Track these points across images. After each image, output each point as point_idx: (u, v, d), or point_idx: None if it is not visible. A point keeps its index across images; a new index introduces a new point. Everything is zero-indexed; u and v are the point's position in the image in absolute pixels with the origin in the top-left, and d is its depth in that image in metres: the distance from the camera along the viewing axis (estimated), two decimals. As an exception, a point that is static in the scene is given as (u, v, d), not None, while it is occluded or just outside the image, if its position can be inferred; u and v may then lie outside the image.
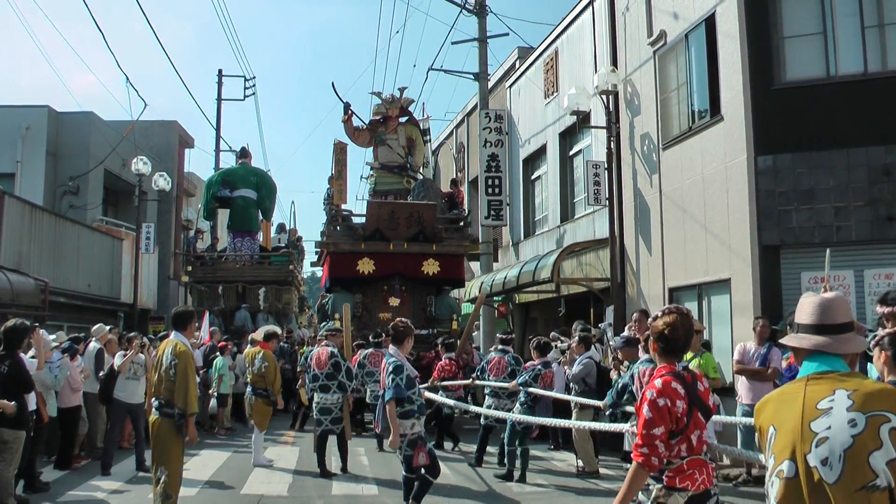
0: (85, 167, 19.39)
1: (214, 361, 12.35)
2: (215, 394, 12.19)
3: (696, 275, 10.12)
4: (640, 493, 3.26)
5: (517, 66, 18.09)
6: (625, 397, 6.52)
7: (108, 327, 10.80)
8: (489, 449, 9.53)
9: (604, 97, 12.11)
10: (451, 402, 9.76)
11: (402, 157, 16.91)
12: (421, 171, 17.69)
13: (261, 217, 19.92)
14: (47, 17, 48.30)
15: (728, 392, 8.68)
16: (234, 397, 12.96)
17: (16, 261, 13.76)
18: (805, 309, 2.40)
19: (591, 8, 13.72)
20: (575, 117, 13.04)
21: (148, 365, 8.36)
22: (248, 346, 11.48)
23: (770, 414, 2.32)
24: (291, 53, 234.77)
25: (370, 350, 11.22)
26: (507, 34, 30.28)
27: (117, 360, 9.05)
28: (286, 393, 11.54)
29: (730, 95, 9.49)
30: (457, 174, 21.96)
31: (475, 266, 19.04)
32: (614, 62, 12.51)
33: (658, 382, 3.13)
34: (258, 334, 10.45)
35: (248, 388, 9.94)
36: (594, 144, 13.64)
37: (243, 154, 20.55)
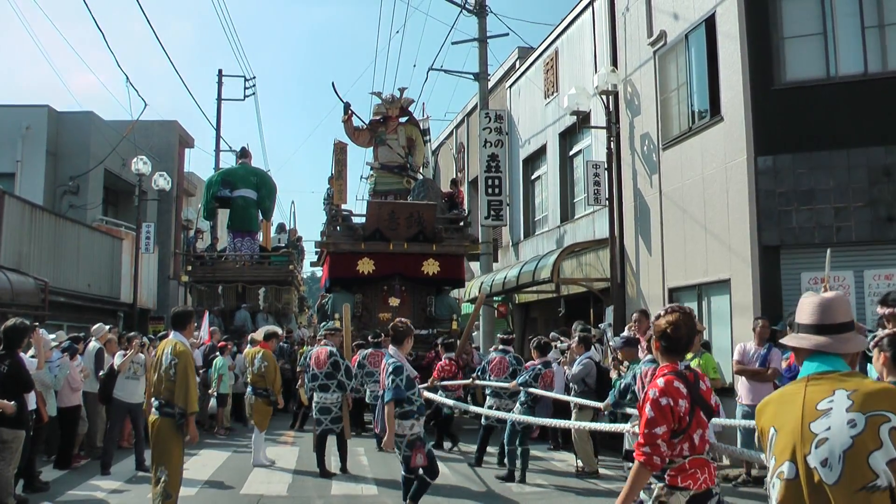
0: (85, 167, 19.39)
1: (214, 361, 12.35)
2: (215, 394, 12.19)
3: (696, 275, 10.12)
4: (641, 491, 3.26)
5: (517, 66, 18.09)
6: (627, 397, 6.52)
7: (107, 327, 10.81)
8: (489, 449, 9.53)
9: (604, 97, 12.11)
10: (450, 402, 9.76)
11: (402, 157, 16.91)
12: (421, 171, 17.68)
13: (261, 217, 19.93)
14: (47, 17, 48.31)
15: (728, 392, 8.68)
16: (234, 397, 12.96)
17: (16, 260, 13.76)
18: (805, 309, 2.40)
19: (591, 8, 13.72)
20: (575, 117, 13.04)
21: (147, 365, 8.36)
22: (248, 346, 11.48)
23: (771, 415, 2.32)
24: (291, 53, 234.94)
25: (370, 350, 11.22)
26: (507, 34, 30.33)
27: (117, 360, 9.06)
28: (286, 393, 11.54)
29: (730, 96, 9.49)
30: (457, 174, 21.95)
31: (475, 266, 19.04)
32: (614, 62, 12.51)
33: (661, 381, 3.14)
34: (258, 334, 10.45)
35: (249, 388, 9.94)
36: (594, 144, 13.64)
37: (243, 154, 20.55)
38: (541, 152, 16.44)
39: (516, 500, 7.51)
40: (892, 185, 8.49)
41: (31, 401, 7.02)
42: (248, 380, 9.93)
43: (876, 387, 2.19)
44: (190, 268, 18.40)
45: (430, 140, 20.16)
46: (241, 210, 19.17)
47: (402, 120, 17.28)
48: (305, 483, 8.22)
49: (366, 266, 14.32)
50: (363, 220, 15.09)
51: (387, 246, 14.38)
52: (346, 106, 17.00)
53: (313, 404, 8.88)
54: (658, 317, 3.34)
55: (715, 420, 3.31)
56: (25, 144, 18.47)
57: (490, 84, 18.64)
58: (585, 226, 13.97)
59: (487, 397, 9.51)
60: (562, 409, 9.73)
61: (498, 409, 8.88)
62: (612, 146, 12.13)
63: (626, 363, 7.77)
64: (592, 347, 9.58)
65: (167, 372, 5.80)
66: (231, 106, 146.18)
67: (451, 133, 24.46)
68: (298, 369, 12.11)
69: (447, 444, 10.70)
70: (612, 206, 12.01)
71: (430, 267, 14.49)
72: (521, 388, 8.58)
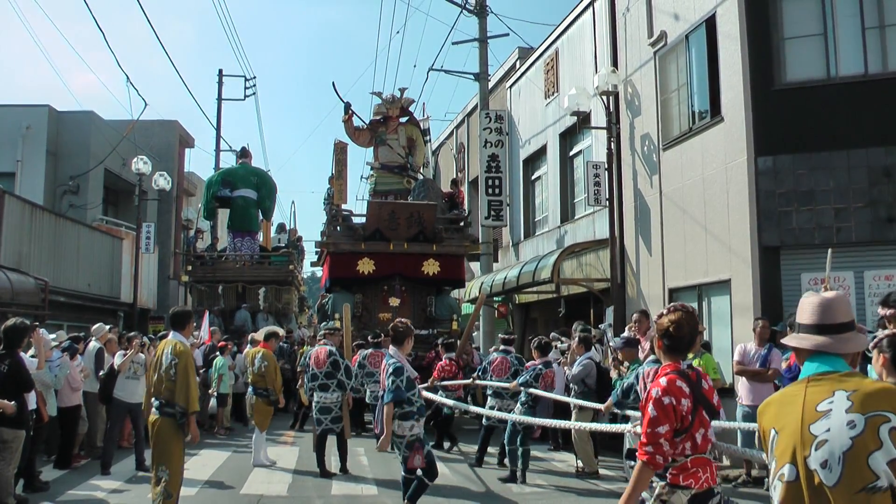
0: (85, 167, 19.40)
1: (214, 361, 12.35)
2: (215, 394, 12.20)
3: (696, 275, 10.12)
4: (643, 490, 3.27)
5: (517, 66, 18.09)
6: (631, 398, 6.51)
7: (107, 327, 10.80)
8: (489, 449, 9.52)
9: (604, 98, 12.11)
10: (450, 402, 9.76)
11: (402, 157, 16.90)
12: (421, 171, 17.68)
13: (261, 217, 19.94)
14: (48, 17, 48.33)
15: (728, 393, 8.67)
16: (234, 397, 12.96)
17: (16, 260, 13.76)
18: (806, 309, 2.40)
19: (591, 8, 13.73)
20: (575, 118, 13.04)
21: (147, 365, 8.36)
22: (249, 346, 11.48)
23: (772, 417, 2.31)
24: (292, 53, 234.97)
25: (370, 350, 11.22)
26: (508, 34, 30.34)
27: (117, 360, 9.06)
28: (285, 393, 11.55)
29: (730, 96, 9.49)
30: (457, 174, 21.95)
31: (475, 266, 19.04)
32: (615, 63, 12.51)
33: (663, 381, 3.14)
34: (259, 334, 10.45)
35: (250, 389, 9.94)
36: (594, 145, 13.64)
37: (243, 154, 20.56)
38: (541, 153, 16.44)
39: (516, 500, 7.51)
40: (892, 185, 8.49)
41: (32, 401, 7.02)
42: (249, 380, 9.92)
43: (875, 387, 2.18)
44: (190, 268, 18.40)
45: (430, 140, 20.15)
46: (242, 210, 19.17)
47: (403, 120, 17.28)
48: (305, 483, 8.22)
49: (366, 266, 14.32)
50: (363, 220, 15.09)
51: (387, 246, 14.38)
52: (347, 106, 17.00)
53: (313, 404, 8.87)
54: (660, 315, 3.34)
55: (715, 423, 3.30)
56: (25, 144, 18.48)
57: (490, 84, 18.64)
58: (585, 226, 13.97)
59: (489, 398, 9.50)
60: (562, 410, 9.73)
61: (499, 409, 8.86)
62: (612, 146, 12.13)
63: (626, 363, 7.77)
64: (593, 348, 9.58)
65: (167, 372, 5.80)
66: (231, 106, 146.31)
67: (451, 133, 24.46)
68: (298, 369, 12.10)
69: (447, 444, 10.70)
70: (613, 207, 12.01)
71: (431, 267, 14.49)
72: (522, 388, 8.58)
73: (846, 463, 2.05)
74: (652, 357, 5.89)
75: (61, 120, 19.55)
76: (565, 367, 10.04)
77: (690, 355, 7.32)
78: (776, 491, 2.20)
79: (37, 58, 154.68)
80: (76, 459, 9.06)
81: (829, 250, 5.41)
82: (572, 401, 8.62)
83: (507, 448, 8.49)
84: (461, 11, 17.75)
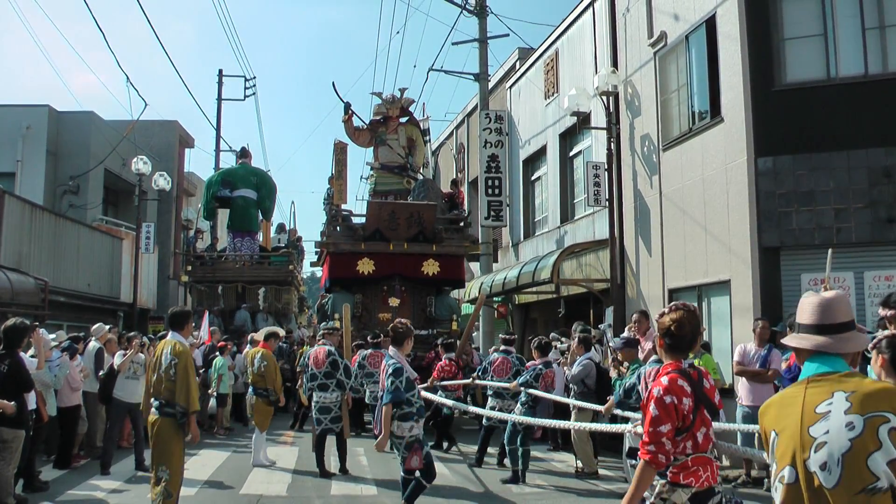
0: (85, 167, 19.40)
1: (214, 361, 12.35)
2: (215, 394, 12.19)
3: (696, 276, 10.12)
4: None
5: (517, 66, 18.10)
6: (633, 398, 6.51)
7: (107, 327, 10.80)
8: (489, 450, 9.52)
9: (604, 98, 12.12)
10: (450, 402, 9.75)
11: (402, 157, 16.90)
12: (421, 171, 17.68)
13: (261, 217, 19.93)
14: (48, 17, 48.33)
15: (728, 393, 8.67)
16: (234, 397, 12.95)
17: (16, 260, 13.76)
18: (805, 309, 2.40)
19: (591, 9, 13.73)
20: (575, 118, 13.04)
21: (147, 365, 8.36)
22: (248, 346, 11.47)
23: (772, 418, 2.31)
24: (292, 53, 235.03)
25: (369, 351, 11.22)
26: (508, 35, 30.28)
27: (117, 360, 9.06)
28: (285, 393, 11.54)
29: (730, 97, 9.49)
30: (457, 174, 21.95)
31: (475, 267, 19.03)
32: (615, 63, 12.51)
33: (665, 380, 3.14)
34: (259, 334, 10.45)
35: (250, 389, 9.93)
36: (594, 145, 13.65)
37: (243, 154, 20.56)
38: (541, 153, 16.44)
39: (516, 500, 7.50)
40: (892, 186, 8.49)
41: (31, 400, 7.02)
42: (249, 380, 9.92)
43: (875, 387, 2.17)
44: (190, 268, 18.40)
45: (430, 140, 20.15)
46: (241, 210, 19.17)
47: (403, 120, 17.28)
48: (305, 483, 8.22)
49: (366, 266, 14.32)
50: (363, 220, 15.09)
51: (387, 246, 14.38)
52: (347, 106, 17.00)
53: (313, 404, 8.87)
54: (662, 314, 3.34)
55: (715, 425, 3.30)
56: (25, 144, 18.48)
57: (490, 85, 18.65)
58: (585, 226, 13.97)
59: (490, 398, 9.49)
60: (562, 410, 9.73)
61: (500, 409, 8.86)
62: (612, 147, 12.13)
63: (625, 364, 7.77)
64: (592, 348, 9.58)
65: (167, 372, 5.79)
66: (231, 106, 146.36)
67: (451, 133, 24.46)
68: (298, 370, 12.11)
69: (445, 445, 10.69)
70: (612, 207, 12.02)
71: (430, 267, 14.49)
72: (522, 388, 8.58)
73: (845, 465, 2.04)
74: (654, 357, 5.89)
75: (61, 120, 19.55)
76: (565, 368, 10.04)
77: (690, 355, 7.34)
78: (777, 493, 2.20)
79: (37, 58, 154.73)
80: (76, 459, 9.06)
81: (829, 251, 5.42)
82: (572, 402, 8.61)
83: (507, 448, 8.49)
84: (461, 12, 17.76)
